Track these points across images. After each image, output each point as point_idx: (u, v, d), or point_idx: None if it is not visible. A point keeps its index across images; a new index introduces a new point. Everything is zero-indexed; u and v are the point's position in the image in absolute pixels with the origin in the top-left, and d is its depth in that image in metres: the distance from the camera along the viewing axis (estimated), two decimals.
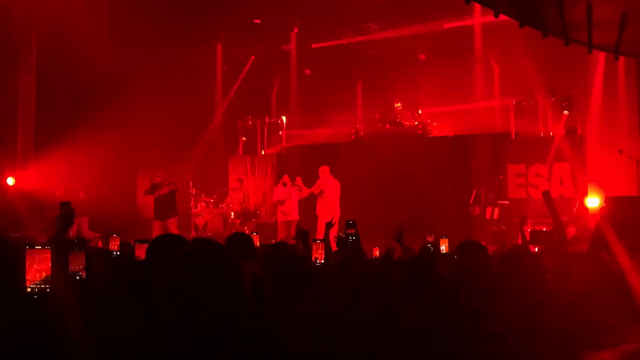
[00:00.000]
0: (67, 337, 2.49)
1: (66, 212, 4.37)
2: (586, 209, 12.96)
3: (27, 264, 3.00)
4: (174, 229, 13.26)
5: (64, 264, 3.46)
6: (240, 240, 4.57)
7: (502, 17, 6.74)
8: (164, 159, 16.76)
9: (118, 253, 5.08)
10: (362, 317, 3.01)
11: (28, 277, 2.98)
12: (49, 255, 3.01)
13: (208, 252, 2.05)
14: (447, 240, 7.38)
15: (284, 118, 19.26)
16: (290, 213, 13.95)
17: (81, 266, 3.59)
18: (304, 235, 6.50)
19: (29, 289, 2.96)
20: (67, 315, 2.63)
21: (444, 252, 6.87)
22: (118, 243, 5.25)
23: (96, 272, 3.67)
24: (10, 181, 14.13)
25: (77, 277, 3.52)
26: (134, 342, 2.23)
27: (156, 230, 13.12)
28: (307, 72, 19.89)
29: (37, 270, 2.98)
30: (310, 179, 14.22)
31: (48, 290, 2.91)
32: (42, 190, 14.16)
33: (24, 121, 15.10)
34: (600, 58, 13.27)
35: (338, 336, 2.71)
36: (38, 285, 2.96)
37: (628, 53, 8.50)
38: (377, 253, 8.42)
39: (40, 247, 3.05)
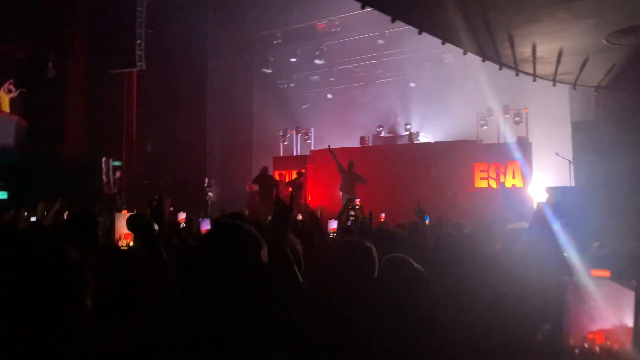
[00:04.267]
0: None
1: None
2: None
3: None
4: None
5: None
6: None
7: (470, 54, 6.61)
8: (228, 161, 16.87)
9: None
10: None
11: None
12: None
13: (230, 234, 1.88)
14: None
15: (312, 129, 19.21)
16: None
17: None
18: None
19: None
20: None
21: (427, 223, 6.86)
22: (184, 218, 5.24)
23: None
24: (118, 174, 14.27)
25: None
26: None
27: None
28: (329, 96, 19.84)
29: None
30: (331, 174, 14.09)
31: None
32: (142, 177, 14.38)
33: (127, 132, 15.25)
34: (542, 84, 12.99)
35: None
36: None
37: (564, 82, 8.31)
38: (383, 217, 8.58)
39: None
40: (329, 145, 13.56)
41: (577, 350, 0.87)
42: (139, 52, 13.88)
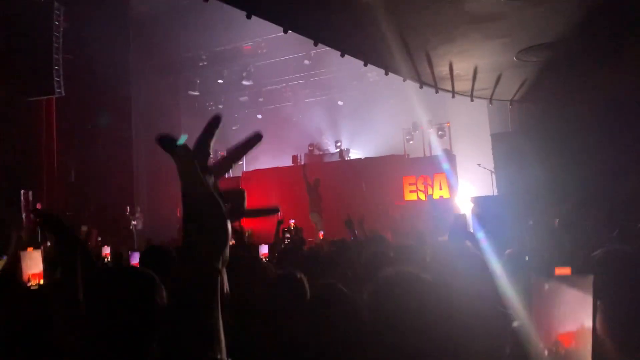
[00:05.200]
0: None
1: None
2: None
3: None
4: None
5: None
6: None
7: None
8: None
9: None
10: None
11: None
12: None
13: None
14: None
15: None
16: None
17: None
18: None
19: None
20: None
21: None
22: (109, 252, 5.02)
23: None
24: (39, 206, 13.52)
25: None
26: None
27: None
28: (259, 116, 19.80)
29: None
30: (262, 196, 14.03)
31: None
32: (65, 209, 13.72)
33: (47, 161, 14.50)
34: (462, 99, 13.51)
35: None
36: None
37: (481, 97, 8.70)
38: (322, 234, 8.51)
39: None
40: (303, 163, 13.46)
41: (546, 352, 0.88)
42: (57, 79, 13.29)
